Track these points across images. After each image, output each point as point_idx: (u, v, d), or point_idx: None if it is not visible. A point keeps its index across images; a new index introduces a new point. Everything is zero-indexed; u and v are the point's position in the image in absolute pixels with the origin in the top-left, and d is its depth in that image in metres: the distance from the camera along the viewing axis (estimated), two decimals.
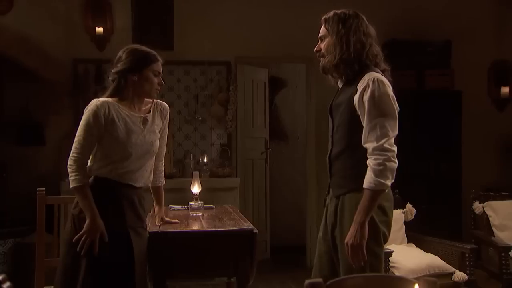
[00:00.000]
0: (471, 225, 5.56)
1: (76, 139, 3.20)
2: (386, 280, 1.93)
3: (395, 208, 5.30)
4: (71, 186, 3.21)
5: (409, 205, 5.28)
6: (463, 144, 6.84)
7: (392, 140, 2.89)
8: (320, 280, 1.97)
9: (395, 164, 2.87)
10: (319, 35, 3.20)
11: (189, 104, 6.89)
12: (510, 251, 4.79)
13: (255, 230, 3.50)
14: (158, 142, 3.41)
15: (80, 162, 3.19)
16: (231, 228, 3.51)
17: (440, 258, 4.82)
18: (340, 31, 3.07)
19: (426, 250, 5.02)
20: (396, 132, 2.93)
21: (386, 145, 2.85)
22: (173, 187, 5.32)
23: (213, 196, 6.21)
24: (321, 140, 5.70)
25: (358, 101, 2.97)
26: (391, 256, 4.50)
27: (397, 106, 2.99)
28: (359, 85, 2.98)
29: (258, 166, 7.67)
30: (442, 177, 6.65)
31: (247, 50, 6.97)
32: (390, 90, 2.97)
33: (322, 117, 5.45)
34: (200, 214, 4.06)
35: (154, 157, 3.44)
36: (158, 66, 3.39)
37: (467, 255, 4.68)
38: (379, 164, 2.84)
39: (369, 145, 2.90)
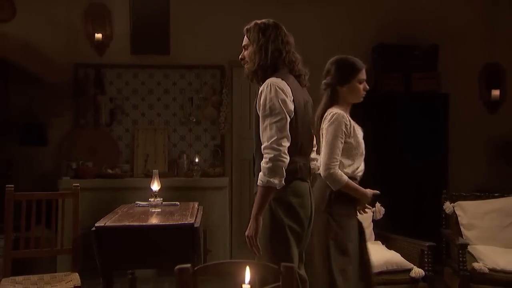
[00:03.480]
0: (442, 224, 5.70)
1: (331, 148, 3.59)
2: (243, 265, 2.17)
3: None
4: (340, 185, 3.61)
5: (378, 205, 5.42)
6: (451, 146, 6.89)
7: (282, 140, 3.06)
8: (189, 265, 2.23)
9: (282, 163, 3.04)
10: (243, 44, 3.44)
11: (184, 106, 7.16)
12: (467, 248, 4.93)
13: (197, 225, 3.75)
14: None
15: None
16: (171, 223, 3.75)
17: (403, 255, 4.98)
18: (260, 40, 3.31)
19: (391, 247, 5.19)
20: (286, 133, 3.09)
21: (274, 145, 3.05)
22: (170, 185, 5.61)
23: (203, 195, 6.51)
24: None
25: (257, 104, 3.21)
26: None
27: (290, 109, 3.14)
28: (260, 89, 3.22)
29: None
30: (429, 179, 6.69)
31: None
32: (282, 93, 3.13)
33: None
34: (159, 210, 4.29)
35: None
36: (363, 74, 3.79)
37: (425, 252, 4.86)
38: (266, 163, 3.05)
39: (263, 146, 3.12)
